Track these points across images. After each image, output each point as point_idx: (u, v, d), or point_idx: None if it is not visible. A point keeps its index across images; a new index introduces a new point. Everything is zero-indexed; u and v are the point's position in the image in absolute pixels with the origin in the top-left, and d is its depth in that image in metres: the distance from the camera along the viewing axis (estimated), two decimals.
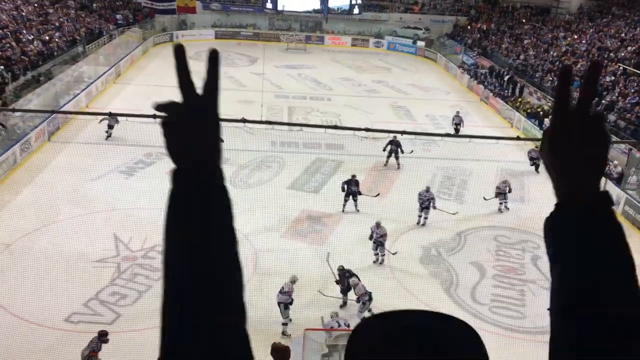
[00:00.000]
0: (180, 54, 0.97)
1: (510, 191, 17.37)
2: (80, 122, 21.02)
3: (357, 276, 12.20)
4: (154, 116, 9.44)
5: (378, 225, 14.15)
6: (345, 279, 12.32)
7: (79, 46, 30.50)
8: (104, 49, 32.16)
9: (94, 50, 31.34)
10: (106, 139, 19.79)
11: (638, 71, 25.75)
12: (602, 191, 0.97)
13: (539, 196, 17.56)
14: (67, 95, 24.64)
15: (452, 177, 19.63)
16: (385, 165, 19.83)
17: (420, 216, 16.18)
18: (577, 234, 0.94)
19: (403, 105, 28.64)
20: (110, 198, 16.35)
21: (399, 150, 19.53)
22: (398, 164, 19.73)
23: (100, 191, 16.70)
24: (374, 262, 14.29)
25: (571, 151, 0.97)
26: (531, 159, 19.93)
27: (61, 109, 21.79)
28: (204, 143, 1.01)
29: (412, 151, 19.39)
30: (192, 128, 0.99)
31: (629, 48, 28.57)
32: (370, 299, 11.79)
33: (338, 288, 12.51)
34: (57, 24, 31.35)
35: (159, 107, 0.98)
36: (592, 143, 0.98)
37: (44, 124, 20.14)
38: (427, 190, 16.18)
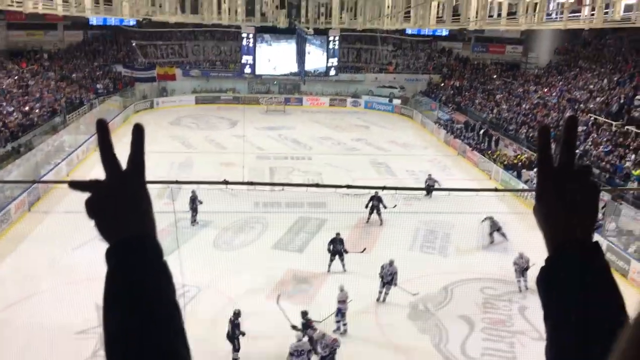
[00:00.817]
0: (100, 129, 1.00)
1: (528, 268, 15.54)
2: (61, 191, 20.91)
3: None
4: None
5: (391, 263, 14.67)
6: (306, 329, 12.01)
7: (59, 116, 30.72)
8: (84, 118, 32.40)
9: (74, 120, 31.56)
10: None
11: (608, 121, 26.60)
12: (594, 242, 0.98)
13: (522, 247, 17.70)
14: (48, 165, 24.62)
15: (435, 230, 19.75)
16: (367, 221, 19.85)
17: (380, 292, 14.92)
18: (571, 286, 0.94)
19: (383, 162, 29.05)
20: (91, 267, 16.05)
21: (381, 205, 19.60)
22: (380, 220, 19.76)
23: (81, 261, 16.46)
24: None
25: (559, 208, 0.98)
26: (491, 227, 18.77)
27: (42, 179, 21.73)
28: (132, 216, 0.99)
29: (395, 206, 19.46)
30: (117, 203, 0.98)
31: (597, 99, 29.59)
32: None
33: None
34: (37, 95, 31.65)
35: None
36: (580, 197, 0.99)
37: (24, 195, 20.02)
38: (391, 264, 14.82)
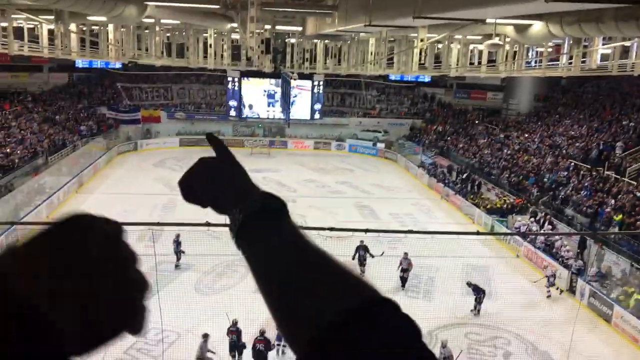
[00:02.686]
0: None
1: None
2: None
3: None
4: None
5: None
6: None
7: (41, 157, 30.50)
8: (67, 160, 32.20)
9: (56, 161, 31.34)
10: None
11: (587, 166, 27.03)
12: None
13: (505, 291, 17.66)
14: (28, 207, 24.27)
15: (419, 274, 19.63)
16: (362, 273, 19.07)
17: None
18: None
19: (367, 205, 29.09)
20: None
21: (367, 254, 18.95)
22: (362, 270, 18.72)
23: None
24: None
25: None
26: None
27: (21, 220, 21.36)
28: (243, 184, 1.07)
29: (382, 253, 18.91)
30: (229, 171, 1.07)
31: (577, 144, 30.14)
32: None
33: None
34: (19, 137, 31.46)
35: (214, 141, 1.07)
36: None
37: (2, 237, 19.63)
38: None
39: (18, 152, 29.26)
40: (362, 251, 18.86)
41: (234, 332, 13.97)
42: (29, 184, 26.71)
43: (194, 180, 1.05)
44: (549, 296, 18.54)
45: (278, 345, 13.67)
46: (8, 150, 28.78)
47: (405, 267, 18.61)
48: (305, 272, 0.87)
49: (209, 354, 13.78)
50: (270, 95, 38.83)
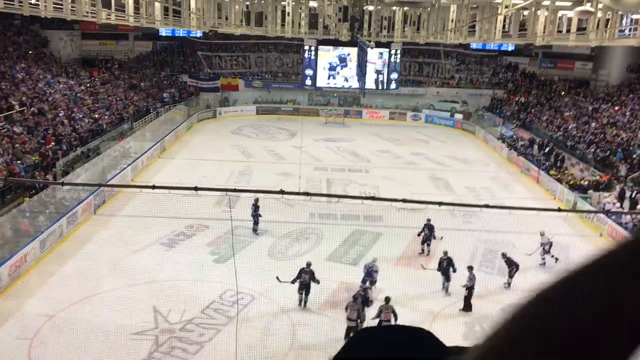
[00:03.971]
0: None
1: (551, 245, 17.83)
2: (125, 195, 21.65)
3: None
4: (195, 188, 9.70)
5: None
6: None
7: (127, 123, 31.91)
8: (150, 126, 33.51)
9: (140, 127, 32.70)
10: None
11: None
12: None
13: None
14: (114, 170, 25.54)
15: (494, 250, 19.14)
16: (422, 253, 18.45)
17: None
18: None
19: (442, 177, 28.56)
20: (151, 270, 16.53)
21: (432, 235, 18.42)
22: (428, 251, 18.41)
23: (141, 263, 16.93)
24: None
25: None
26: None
27: (108, 183, 22.54)
28: None
29: (442, 237, 18.45)
30: None
31: None
32: None
33: None
34: (106, 103, 33.01)
35: None
36: None
37: (90, 198, 20.81)
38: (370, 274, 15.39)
39: (106, 117, 30.74)
40: (427, 230, 18.34)
41: (307, 272, 14.86)
42: (115, 148, 28.05)
43: None
44: (543, 264, 17.77)
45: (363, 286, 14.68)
46: (97, 115, 30.27)
47: (470, 285, 15.19)
48: None
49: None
50: (342, 60, 38.49)
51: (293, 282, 14.66)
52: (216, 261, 17.22)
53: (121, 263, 16.83)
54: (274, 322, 14.33)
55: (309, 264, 15.04)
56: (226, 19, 25.62)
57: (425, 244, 18.55)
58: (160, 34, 42.01)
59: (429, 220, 18.04)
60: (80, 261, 17.09)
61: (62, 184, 15.72)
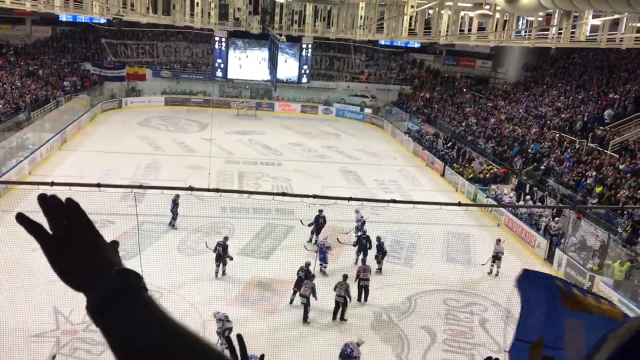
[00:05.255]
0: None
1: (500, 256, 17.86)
2: (22, 190, 20.39)
3: None
4: (98, 185, 9.33)
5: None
6: None
7: (24, 113, 30.02)
8: (49, 116, 31.73)
9: (39, 117, 30.88)
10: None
11: (571, 137, 27.23)
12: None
13: (484, 259, 17.98)
14: (10, 162, 24.00)
15: (401, 240, 19.88)
16: (309, 241, 18.91)
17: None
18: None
19: (352, 170, 29.17)
20: (51, 269, 15.69)
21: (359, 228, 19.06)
22: (316, 240, 18.76)
23: (40, 262, 15.95)
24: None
25: None
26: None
27: (2, 177, 21.15)
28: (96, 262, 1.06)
29: (347, 232, 19.12)
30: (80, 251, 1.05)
31: (562, 115, 30.28)
32: None
33: None
34: (0, 91, 30.88)
35: (26, 223, 1.05)
36: None
37: None
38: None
39: (0, 106, 28.76)
40: (322, 221, 18.92)
41: (222, 245, 16.08)
42: (11, 139, 26.34)
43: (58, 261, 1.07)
44: (490, 272, 18.03)
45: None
46: None
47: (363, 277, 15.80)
48: (163, 348, 0.93)
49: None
50: (257, 60, 38.26)
51: None
52: (122, 258, 16.61)
53: (19, 262, 15.87)
54: (184, 319, 14.06)
55: (226, 238, 16.51)
56: (132, 6, 24.65)
57: (315, 234, 19.06)
58: (60, 19, 39.71)
59: (320, 211, 18.46)
60: None
61: None
